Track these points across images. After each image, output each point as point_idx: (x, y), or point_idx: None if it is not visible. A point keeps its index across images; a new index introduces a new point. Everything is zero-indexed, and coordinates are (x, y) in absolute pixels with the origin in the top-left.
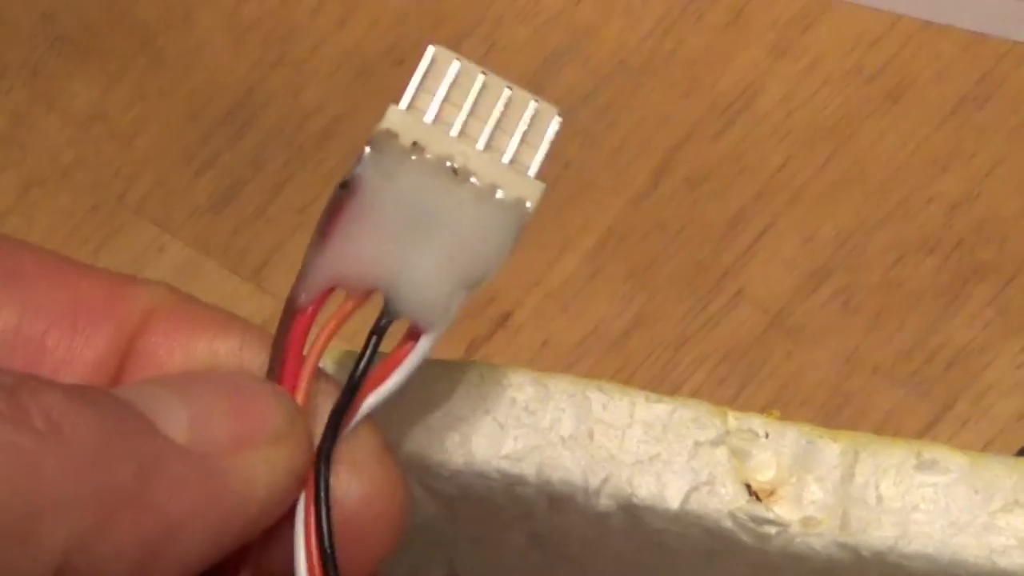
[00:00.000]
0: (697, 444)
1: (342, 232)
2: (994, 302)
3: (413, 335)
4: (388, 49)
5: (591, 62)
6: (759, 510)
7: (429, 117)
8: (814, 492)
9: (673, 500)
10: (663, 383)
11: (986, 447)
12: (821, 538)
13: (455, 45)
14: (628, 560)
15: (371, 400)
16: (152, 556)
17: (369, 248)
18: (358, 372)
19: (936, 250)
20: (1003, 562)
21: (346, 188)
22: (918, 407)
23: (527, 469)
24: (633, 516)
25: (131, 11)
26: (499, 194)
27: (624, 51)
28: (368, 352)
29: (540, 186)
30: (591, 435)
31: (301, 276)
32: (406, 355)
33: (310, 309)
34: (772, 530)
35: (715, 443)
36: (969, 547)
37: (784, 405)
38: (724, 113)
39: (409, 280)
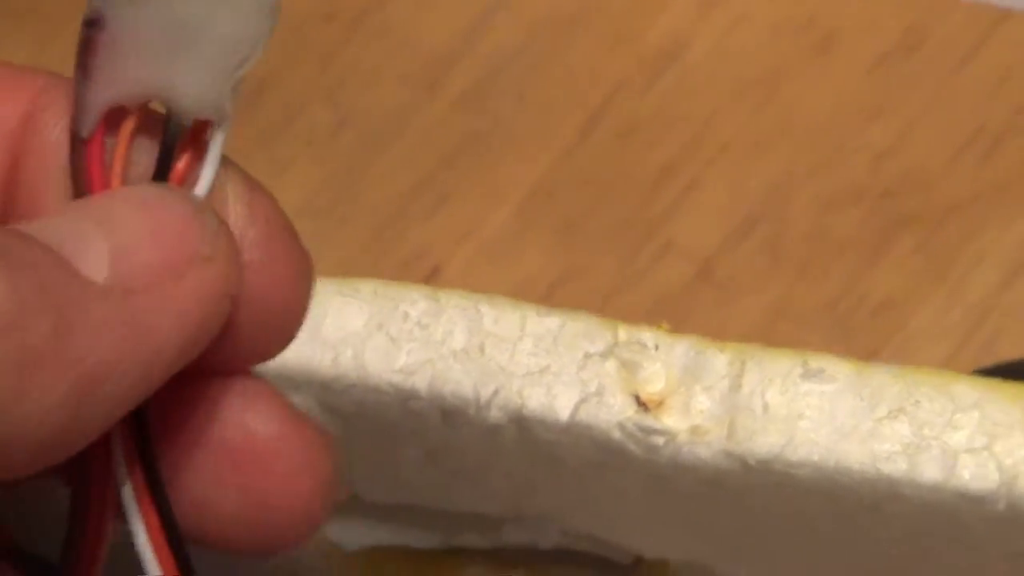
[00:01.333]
0: (587, 356)
1: (101, 63)
2: (920, 250)
3: (202, 129)
4: (318, 5)
5: (521, 16)
6: (647, 420)
7: None
8: (702, 402)
9: (563, 411)
10: None
11: None
12: (709, 447)
13: (384, 1)
14: (521, 475)
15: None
16: (80, 407)
17: (132, 70)
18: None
19: (863, 200)
20: (887, 468)
21: (93, 26)
22: (844, 355)
23: (419, 383)
24: (523, 429)
25: None
26: None
27: (553, 4)
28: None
29: None
30: (482, 348)
31: (75, 112)
32: (205, 148)
33: (96, 136)
34: (660, 440)
35: (604, 355)
36: (853, 454)
37: None
38: (652, 65)
39: (181, 85)
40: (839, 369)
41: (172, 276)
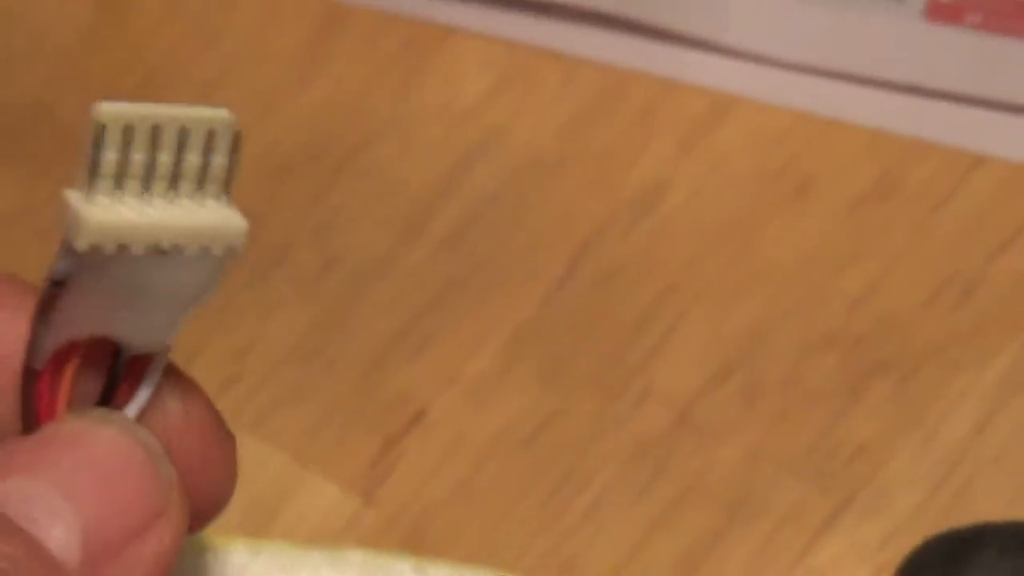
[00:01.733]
0: None
1: (60, 314)
2: (894, 397)
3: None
4: (305, 146)
5: (503, 160)
6: None
7: (120, 210)
8: None
9: None
10: (572, 480)
11: (886, 540)
12: None
13: (370, 143)
14: None
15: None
16: None
17: (87, 317)
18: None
19: (837, 346)
20: None
21: (56, 285)
22: (820, 501)
23: None
24: None
25: (53, 112)
26: (208, 251)
27: (534, 149)
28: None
29: (242, 225)
30: None
31: (29, 348)
32: (147, 370)
33: (48, 369)
34: None
35: None
36: None
37: (690, 500)
38: (632, 210)
39: (131, 328)
40: None
41: (135, 541)
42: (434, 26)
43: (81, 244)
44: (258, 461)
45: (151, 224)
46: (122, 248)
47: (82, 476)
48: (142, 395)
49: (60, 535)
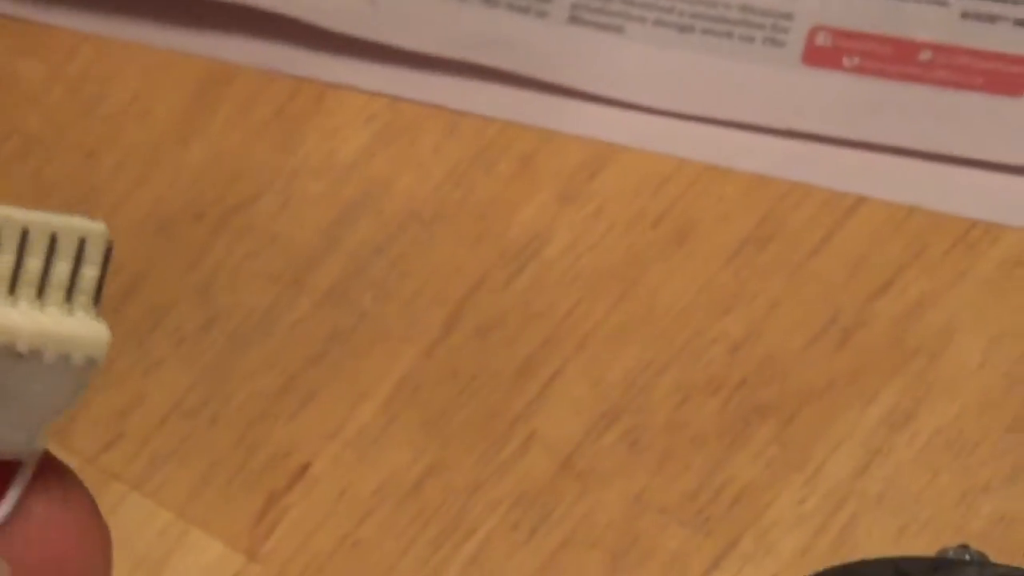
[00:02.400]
0: None
1: None
2: (776, 439)
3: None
4: (187, 205)
5: (384, 214)
6: None
7: None
8: None
9: None
10: (457, 530)
11: None
12: None
13: (252, 200)
14: None
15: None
16: None
17: None
18: None
19: (720, 390)
20: None
21: None
22: (704, 545)
23: None
24: None
25: None
26: (68, 359)
27: (416, 202)
28: None
29: (104, 336)
30: None
31: None
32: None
33: None
34: None
35: None
36: None
37: (575, 547)
38: (513, 261)
39: None
40: None
41: None
42: (316, 82)
43: None
44: (142, 519)
45: (9, 326)
46: None
47: None
48: (10, 497)
49: None
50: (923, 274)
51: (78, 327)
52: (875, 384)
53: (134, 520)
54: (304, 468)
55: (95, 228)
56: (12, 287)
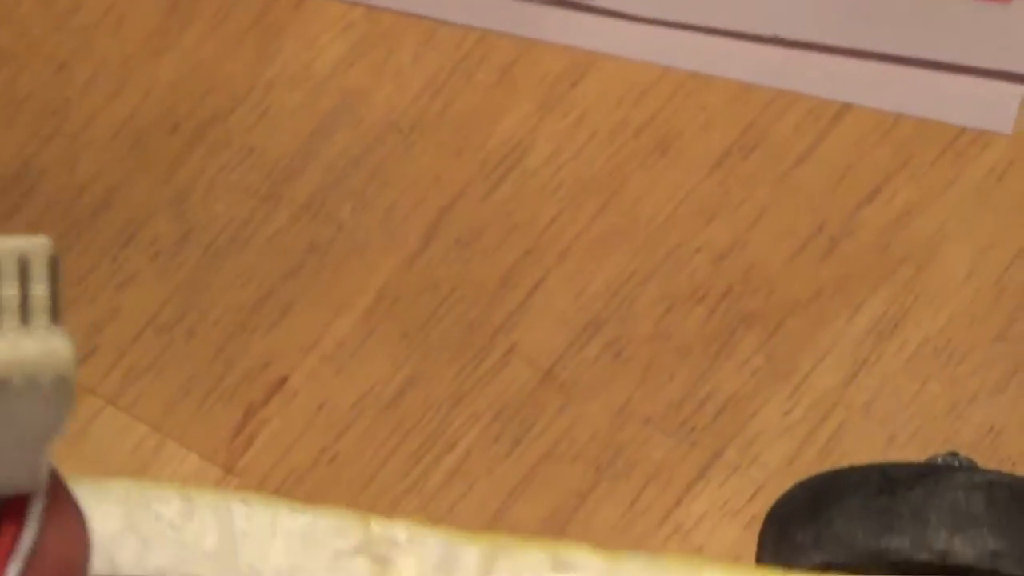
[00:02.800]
0: (337, 554)
1: None
2: (762, 349)
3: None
4: (161, 118)
5: (362, 125)
6: None
7: None
8: None
9: None
10: (437, 442)
11: (757, 492)
12: None
13: (227, 113)
14: None
15: (14, 567)
16: None
17: None
18: None
19: (704, 300)
20: None
21: None
22: (689, 456)
23: None
24: None
25: None
26: (36, 381)
27: (395, 113)
28: None
29: (67, 351)
30: (234, 549)
31: None
32: (24, 515)
33: None
34: None
35: (355, 552)
36: None
37: (557, 459)
38: (494, 171)
39: None
40: (589, 561)
41: None
42: None
43: None
44: (118, 433)
45: None
46: None
47: None
48: (24, 546)
49: None
50: (910, 182)
51: (38, 348)
52: (862, 293)
53: (109, 434)
54: (282, 381)
55: (36, 244)
56: None
